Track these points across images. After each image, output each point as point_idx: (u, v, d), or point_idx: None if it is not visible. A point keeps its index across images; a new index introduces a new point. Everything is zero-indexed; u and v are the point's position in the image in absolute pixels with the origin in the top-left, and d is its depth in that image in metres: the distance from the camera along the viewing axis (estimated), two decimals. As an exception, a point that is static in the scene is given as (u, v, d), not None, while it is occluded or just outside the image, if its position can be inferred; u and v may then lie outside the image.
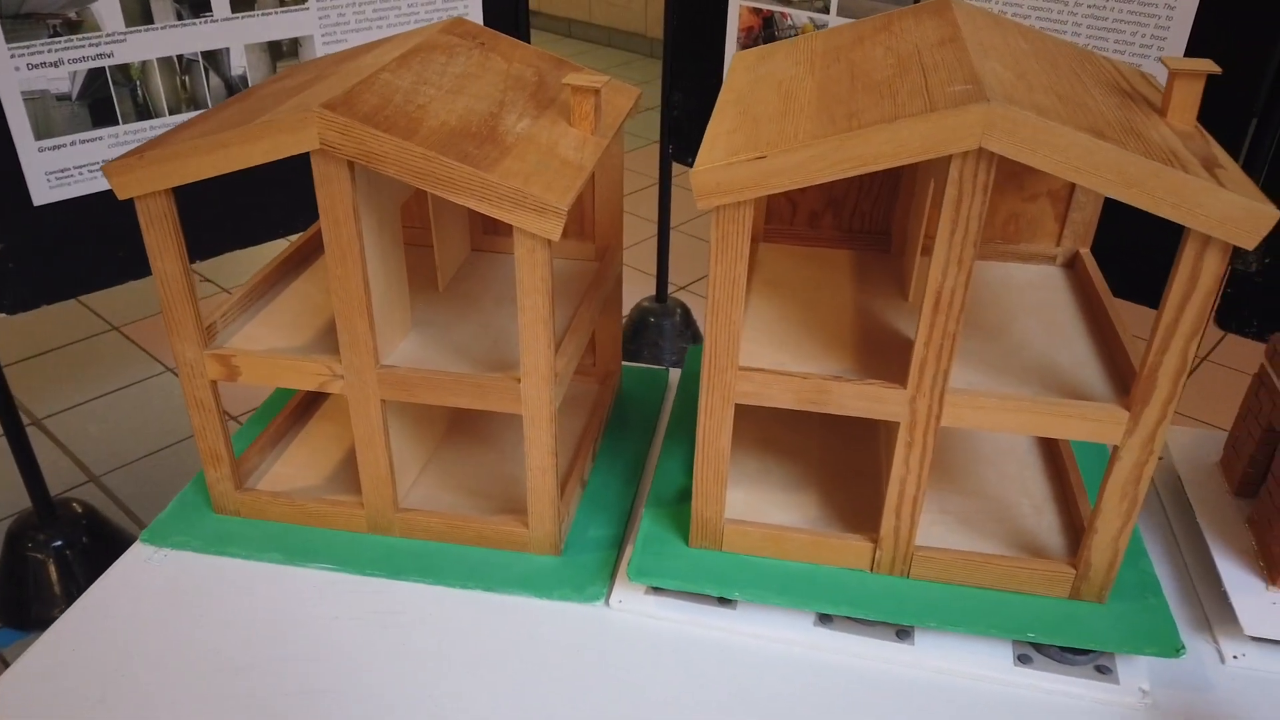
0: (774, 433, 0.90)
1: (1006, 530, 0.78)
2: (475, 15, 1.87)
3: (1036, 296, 0.83)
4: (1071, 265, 0.87)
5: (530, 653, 0.74)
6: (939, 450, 0.88)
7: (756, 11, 1.92)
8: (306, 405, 0.97)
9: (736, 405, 0.92)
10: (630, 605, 0.78)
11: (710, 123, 0.68)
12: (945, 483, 0.84)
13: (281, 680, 0.72)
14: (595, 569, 0.81)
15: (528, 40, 1.75)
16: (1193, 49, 1.47)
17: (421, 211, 0.96)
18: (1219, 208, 0.56)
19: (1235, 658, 0.74)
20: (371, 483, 0.81)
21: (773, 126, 0.64)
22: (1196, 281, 0.60)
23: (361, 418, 0.77)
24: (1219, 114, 1.44)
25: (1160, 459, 0.95)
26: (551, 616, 0.78)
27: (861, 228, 0.91)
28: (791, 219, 0.92)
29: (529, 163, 0.68)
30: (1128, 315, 0.77)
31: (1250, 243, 0.57)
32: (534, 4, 5.30)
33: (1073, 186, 0.85)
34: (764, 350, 0.75)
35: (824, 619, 0.76)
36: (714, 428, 0.72)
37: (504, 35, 0.87)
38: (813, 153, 0.60)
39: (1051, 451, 0.87)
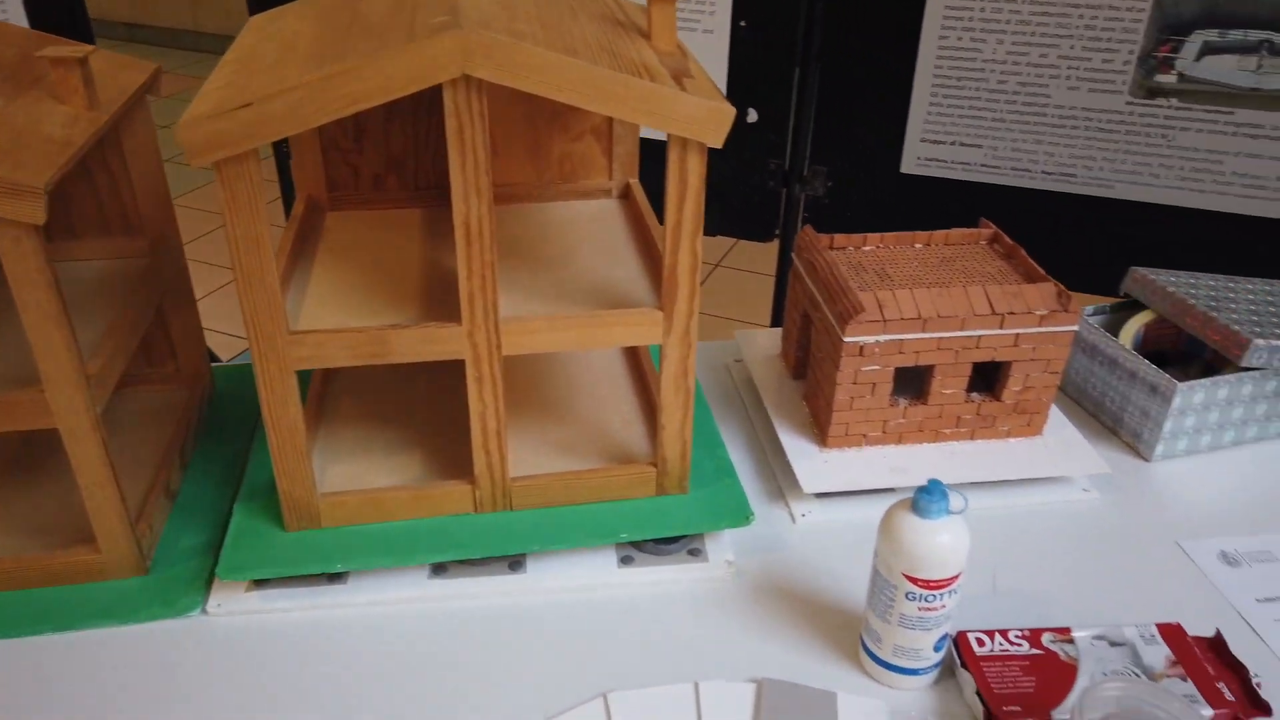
0: (375, 402, 0.88)
1: (602, 447, 0.83)
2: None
3: (595, 227, 0.88)
4: (625, 196, 0.93)
5: (120, 684, 0.68)
6: (538, 385, 0.91)
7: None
8: None
9: (326, 378, 0.89)
10: (230, 606, 0.73)
11: (205, 84, 0.64)
12: (546, 414, 0.87)
13: None
14: (188, 579, 0.75)
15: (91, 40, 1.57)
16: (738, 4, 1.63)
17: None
18: (685, 110, 0.63)
19: (803, 515, 0.84)
20: (-113, 543, 0.69)
21: (265, 76, 0.62)
22: (687, 183, 0.66)
23: None
24: (769, 62, 1.61)
25: (738, 361, 1.05)
26: (143, 640, 0.71)
27: (428, 184, 0.91)
28: (355, 184, 0.90)
29: (-4, 144, 0.61)
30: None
31: (716, 140, 0.64)
32: (134, 17, 4.82)
33: (610, 123, 0.91)
34: (327, 314, 0.73)
35: (437, 570, 0.76)
36: (277, 400, 0.69)
37: (-22, 15, 0.77)
38: (300, 95, 0.58)
39: (639, 371, 0.93)
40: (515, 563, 0.77)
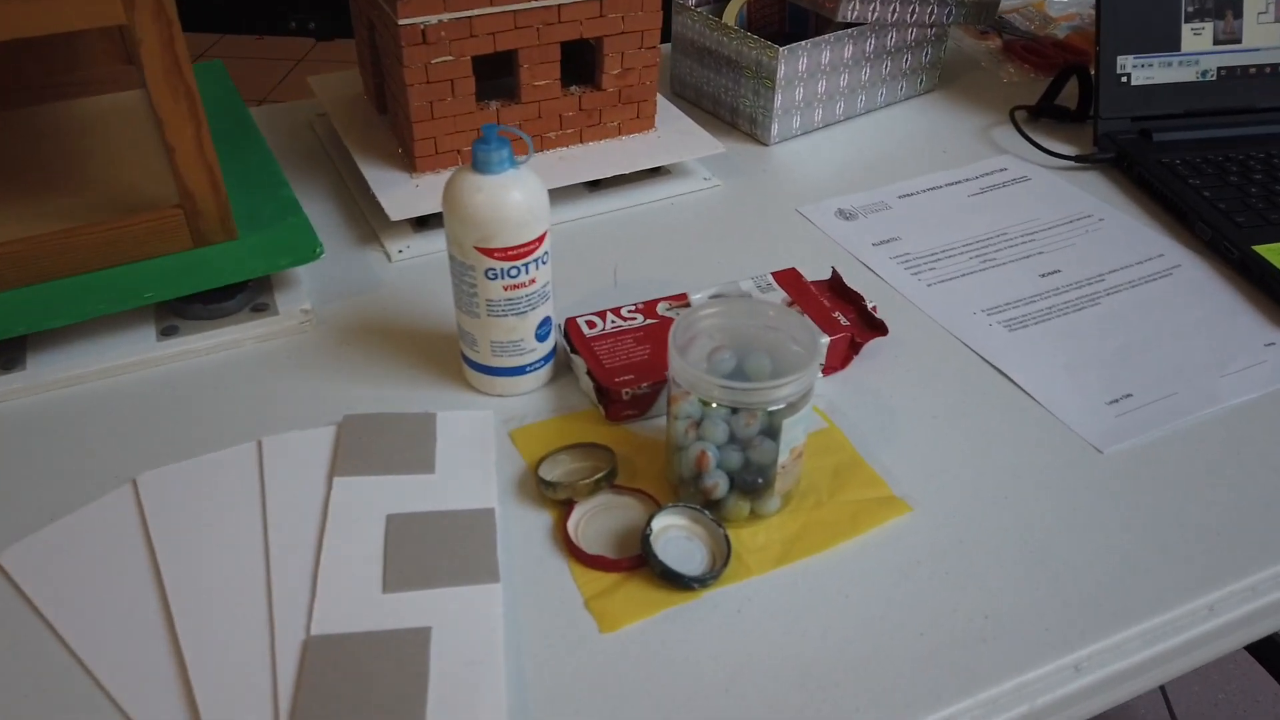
0: None
1: (125, 209, 0.64)
2: None
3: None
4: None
5: None
6: (35, 155, 0.70)
7: None
8: None
9: None
10: None
11: None
12: (43, 185, 0.67)
13: None
14: None
15: None
16: None
17: None
18: None
19: (400, 252, 0.71)
20: None
21: None
22: None
23: None
24: None
25: (321, 115, 0.88)
26: None
27: None
28: None
29: None
30: None
31: None
32: None
33: None
34: None
35: (-114, 388, 0.56)
36: None
37: None
38: None
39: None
40: (9, 360, 0.59)
